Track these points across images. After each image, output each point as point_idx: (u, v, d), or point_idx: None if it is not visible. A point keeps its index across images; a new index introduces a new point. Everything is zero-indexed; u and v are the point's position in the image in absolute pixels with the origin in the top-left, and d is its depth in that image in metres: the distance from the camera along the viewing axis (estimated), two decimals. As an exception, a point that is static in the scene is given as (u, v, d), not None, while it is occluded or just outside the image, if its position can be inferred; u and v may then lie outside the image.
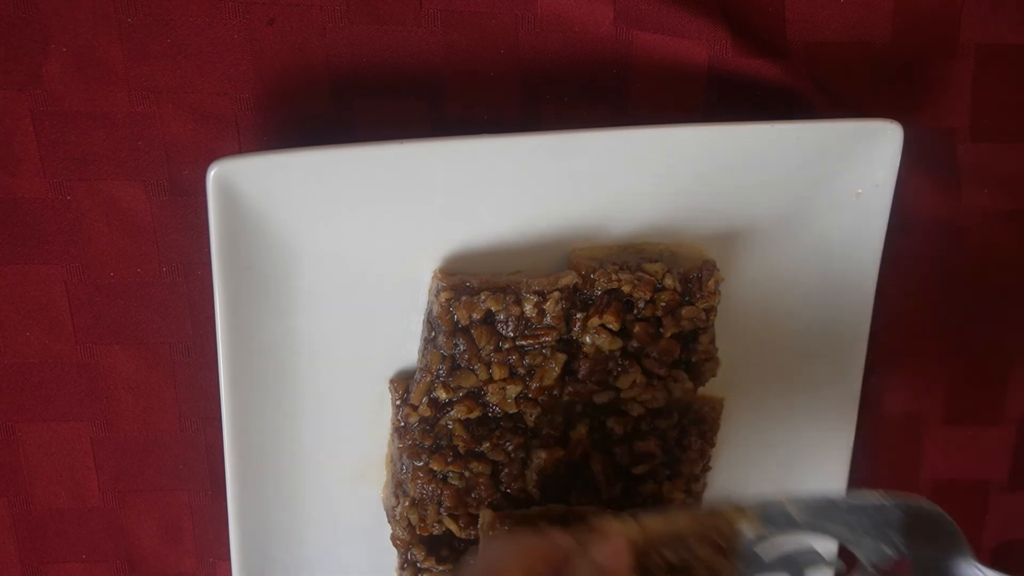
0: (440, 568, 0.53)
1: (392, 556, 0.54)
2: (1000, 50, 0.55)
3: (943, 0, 0.54)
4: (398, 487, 0.53)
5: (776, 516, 0.45)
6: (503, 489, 0.52)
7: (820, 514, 0.45)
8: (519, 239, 0.52)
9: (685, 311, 0.51)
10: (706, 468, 0.54)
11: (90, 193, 0.53)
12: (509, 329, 0.50)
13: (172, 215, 0.54)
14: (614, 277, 0.51)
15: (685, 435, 0.53)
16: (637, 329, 0.51)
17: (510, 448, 0.51)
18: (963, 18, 0.55)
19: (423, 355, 0.52)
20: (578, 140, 0.49)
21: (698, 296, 0.51)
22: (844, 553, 0.46)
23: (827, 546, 0.46)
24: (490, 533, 0.48)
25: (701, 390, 0.53)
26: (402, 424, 0.52)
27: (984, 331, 0.60)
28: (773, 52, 0.54)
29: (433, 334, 0.51)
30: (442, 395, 0.51)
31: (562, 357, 0.51)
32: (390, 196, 0.49)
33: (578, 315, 0.51)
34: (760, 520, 0.45)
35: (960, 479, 0.62)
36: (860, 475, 0.58)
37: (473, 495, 0.51)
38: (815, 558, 0.46)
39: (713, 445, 0.55)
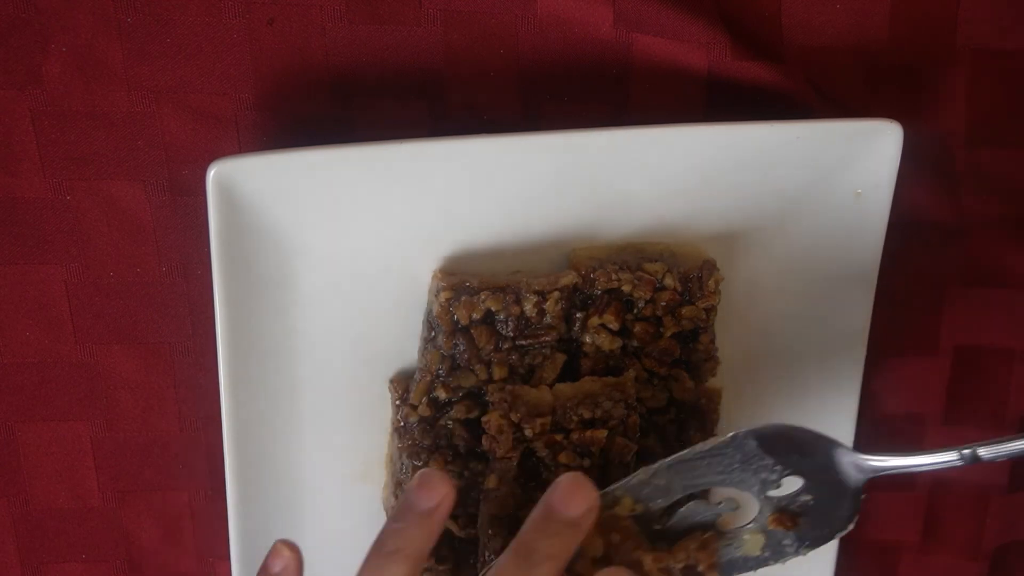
0: (440, 568, 0.53)
1: (392, 556, 0.54)
2: (996, 55, 0.55)
3: (939, 5, 0.54)
4: (398, 487, 0.53)
5: (649, 493, 0.46)
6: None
7: (687, 472, 0.45)
8: (519, 239, 0.52)
9: (685, 311, 0.51)
10: (706, 466, 0.54)
11: (90, 193, 0.53)
12: (509, 329, 0.50)
13: (172, 215, 0.54)
14: (614, 277, 0.51)
15: (683, 429, 0.53)
16: (637, 329, 0.51)
17: (510, 448, 0.51)
18: (959, 23, 0.55)
19: (423, 355, 0.52)
20: (578, 140, 0.49)
21: (698, 296, 0.51)
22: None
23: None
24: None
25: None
26: (402, 424, 0.52)
27: (984, 331, 0.60)
28: (770, 56, 0.54)
29: (433, 334, 0.51)
30: (442, 395, 0.51)
31: (562, 357, 0.51)
32: (390, 196, 0.49)
33: (578, 315, 0.51)
34: (636, 502, 0.46)
35: (960, 480, 0.62)
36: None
37: (473, 495, 0.51)
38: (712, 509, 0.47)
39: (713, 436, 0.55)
